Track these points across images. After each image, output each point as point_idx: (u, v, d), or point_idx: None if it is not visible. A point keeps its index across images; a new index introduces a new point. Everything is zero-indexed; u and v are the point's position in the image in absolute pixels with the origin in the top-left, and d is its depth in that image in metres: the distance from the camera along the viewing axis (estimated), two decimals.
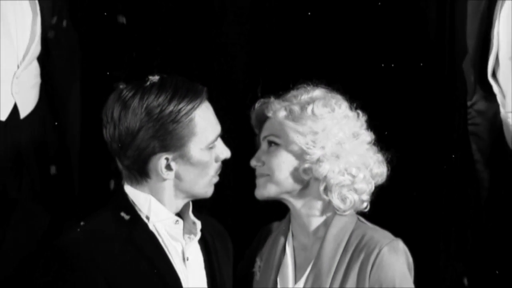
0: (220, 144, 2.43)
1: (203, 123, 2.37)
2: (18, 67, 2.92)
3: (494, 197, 3.18)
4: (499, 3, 3.04)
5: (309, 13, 3.84)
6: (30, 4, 2.97)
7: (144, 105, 2.33)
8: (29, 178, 3.02)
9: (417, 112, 3.70)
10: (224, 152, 2.43)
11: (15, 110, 2.94)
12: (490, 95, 3.09)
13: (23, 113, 2.95)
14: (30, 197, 3.02)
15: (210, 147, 2.40)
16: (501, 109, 3.02)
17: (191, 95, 2.36)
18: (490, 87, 3.07)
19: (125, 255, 2.33)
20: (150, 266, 2.35)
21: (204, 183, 2.43)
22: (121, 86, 2.37)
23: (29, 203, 3.02)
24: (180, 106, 2.35)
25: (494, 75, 3.05)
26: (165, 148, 2.34)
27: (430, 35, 3.71)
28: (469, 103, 3.18)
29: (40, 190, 3.03)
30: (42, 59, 3.03)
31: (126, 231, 2.35)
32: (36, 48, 2.96)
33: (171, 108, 2.34)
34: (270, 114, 2.53)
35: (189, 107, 2.34)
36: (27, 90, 2.97)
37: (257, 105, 2.56)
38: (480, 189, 3.20)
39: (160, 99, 2.33)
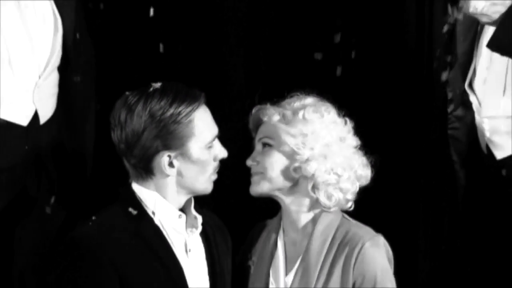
0: (217, 144, 2.49)
1: (201, 124, 2.43)
2: (39, 77, 2.97)
3: (470, 194, 3.22)
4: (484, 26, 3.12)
5: (297, 27, 3.84)
6: (53, 20, 3.02)
7: (148, 109, 2.39)
8: (47, 178, 3.06)
9: (401, 120, 3.80)
10: (221, 152, 2.50)
11: (35, 116, 2.98)
12: (468, 103, 3.14)
13: (43, 119, 2.99)
14: (47, 194, 3.06)
15: (209, 147, 2.46)
16: (476, 116, 3.07)
17: (190, 99, 2.41)
18: (467, 94, 3.12)
19: (132, 247, 2.38)
20: (155, 257, 2.39)
21: (203, 180, 2.49)
22: (127, 93, 2.44)
23: (47, 201, 3.07)
24: (180, 108, 2.40)
25: (470, 85, 3.11)
26: (167, 147, 2.39)
27: (413, 53, 3.83)
28: (449, 110, 3.22)
29: (57, 189, 3.07)
30: (61, 71, 3.07)
31: (133, 225, 2.41)
32: (56, 60, 3.00)
33: (171, 110, 2.39)
34: (265, 119, 2.58)
35: (188, 109, 2.40)
36: (46, 98, 3.02)
37: (254, 110, 2.62)
38: (457, 187, 3.24)
39: (162, 103, 2.39)
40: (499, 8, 2.88)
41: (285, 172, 2.54)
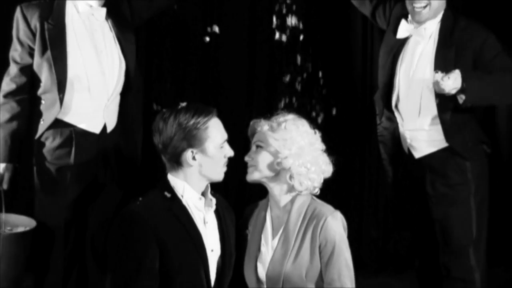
0: (227, 146, 2.64)
1: (214, 130, 2.59)
2: (108, 100, 3.09)
3: (395, 183, 3.31)
4: (399, 59, 3.15)
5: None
6: (118, 61, 3.10)
7: (177, 120, 2.55)
8: (111, 170, 3.16)
9: (350, 130, 4.18)
10: (229, 152, 2.64)
11: (104, 127, 3.11)
12: (392, 118, 3.21)
13: (109, 129, 3.13)
14: (111, 181, 3.17)
15: (221, 147, 2.61)
16: (400, 127, 3.18)
17: (206, 112, 2.58)
18: (392, 112, 3.20)
19: (167, 220, 2.54)
20: (182, 227, 2.55)
21: (217, 171, 2.62)
22: (164, 110, 2.63)
23: (110, 185, 3.17)
24: (199, 119, 2.55)
25: (396, 106, 3.18)
26: (191, 146, 2.55)
27: (358, 82, 4.24)
28: (378, 122, 3.31)
29: (117, 177, 3.18)
30: (121, 96, 3.16)
31: (168, 204, 2.57)
32: (119, 89, 3.12)
33: (193, 120, 2.55)
34: (258, 128, 2.72)
35: (205, 119, 2.56)
36: (112, 115, 3.14)
37: (251, 123, 2.77)
38: (386, 178, 3.35)
39: (186, 115, 2.55)
40: (452, 82, 2.86)
41: (270, 166, 2.67)
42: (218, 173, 2.62)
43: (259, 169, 2.67)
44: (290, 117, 2.70)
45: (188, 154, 2.54)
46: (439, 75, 2.86)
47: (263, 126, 2.69)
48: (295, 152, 2.64)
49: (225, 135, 2.62)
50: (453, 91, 2.87)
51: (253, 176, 2.69)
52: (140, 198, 2.57)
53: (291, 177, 2.65)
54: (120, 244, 2.49)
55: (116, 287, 2.48)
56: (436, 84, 2.87)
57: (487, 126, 3.31)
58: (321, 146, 2.70)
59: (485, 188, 3.15)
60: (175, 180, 2.58)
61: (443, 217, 3.11)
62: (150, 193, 2.60)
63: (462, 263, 3.10)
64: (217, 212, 2.66)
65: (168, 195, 2.56)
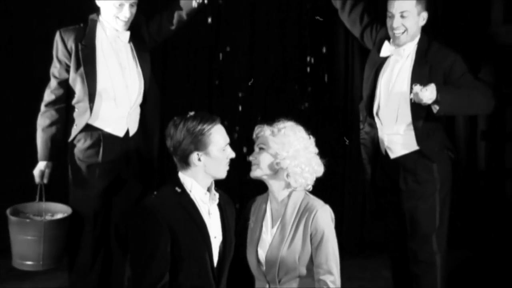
0: (229, 149, 2.65)
1: (217, 136, 2.59)
2: (130, 108, 3.20)
3: (373, 178, 3.35)
4: (380, 74, 3.22)
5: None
6: (138, 77, 3.20)
7: (185, 127, 2.57)
8: (132, 167, 3.25)
9: (336, 136, 4.26)
10: (231, 154, 2.65)
11: (127, 131, 3.21)
12: (373, 124, 3.28)
13: (131, 133, 3.23)
14: (132, 177, 3.26)
15: (223, 150, 2.61)
16: (380, 132, 3.26)
17: (210, 120, 2.59)
18: (373, 119, 3.27)
19: (177, 211, 2.56)
20: (190, 217, 2.58)
21: (220, 170, 2.63)
22: (175, 118, 2.65)
23: (133, 182, 3.26)
24: (204, 126, 2.57)
25: (377, 114, 3.26)
26: (197, 149, 2.56)
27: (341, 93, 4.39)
28: (361, 127, 3.37)
29: (137, 174, 3.26)
30: (141, 105, 3.26)
31: (178, 198, 2.59)
32: (139, 100, 3.23)
33: (199, 127, 2.56)
34: (262, 133, 2.72)
35: (209, 126, 2.58)
36: (133, 122, 3.25)
37: (256, 128, 2.77)
38: (365, 175, 3.40)
39: (194, 123, 2.57)
40: (429, 94, 2.93)
41: (270, 165, 2.68)
42: (221, 172, 2.62)
43: (260, 167, 2.67)
44: (289, 124, 2.70)
45: (194, 156, 2.56)
46: (418, 87, 2.93)
47: (266, 131, 2.69)
48: (292, 154, 2.63)
49: (227, 139, 2.63)
50: (429, 101, 2.94)
51: (255, 173, 2.69)
52: (155, 192, 2.61)
53: (287, 175, 2.65)
54: (138, 233, 2.52)
55: (134, 269, 2.50)
56: (415, 95, 2.93)
57: (448, 134, 3.38)
58: (314, 149, 2.71)
59: (448, 186, 3.23)
60: (185, 177, 2.60)
61: (412, 209, 3.18)
62: (163, 188, 2.62)
63: (426, 248, 3.18)
64: (219, 205, 2.67)
65: (179, 190, 2.58)
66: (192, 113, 2.59)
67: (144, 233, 2.49)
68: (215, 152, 2.57)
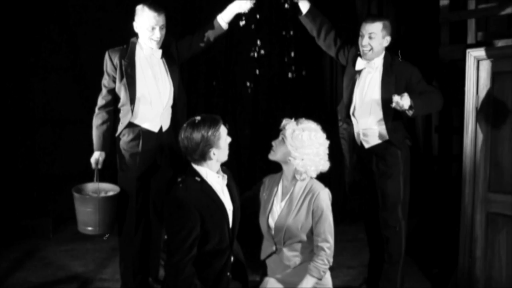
0: (229, 138, 2.59)
1: (222, 132, 2.57)
2: (162, 109, 3.14)
3: (351, 165, 3.28)
4: (356, 83, 3.17)
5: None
6: (168, 83, 3.15)
7: (200, 133, 2.50)
8: (165, 156, 3.20)
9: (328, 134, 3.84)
10: (229, 139, 2.59)
11: (161, 128, 3.16)
12: (350, 121, 3.24)
13: (164, 129, 3.18)
14: (165, 164, 3.21)
15: (226, 140, 2.59)
16: (355, 127, 3.22)
17: (216, 122, 2.55)
18: (350, 118, 3.23)
19: (202, 197, 2.53)
20: (211, 200, 2.56)
21: (226, 155, 2.61)
22: (184, 125, 2.52)
23: (165, 167, 3.21)
24: (214, 128, 2.52)
25: (353, 113, 3.21)
26: (211, 146, 2.55)
27: (326, 98, 4.42)
28: (340, 125, 3.30)
29: (169, 161, 3.20)
30: (172, 107, 3.19)
31: (200, 186, 2.56)
32: (170, 102, 3.18)
33: (211, 131, 2.52)
34: (287, 127, 2.65)
35: (216, 127, 2.53)
36: (166, 119, 3.20)
37: (284, 120, 2.67)
38: (344, 164, 3.34)
39: (205, 128, 2.51)
40: (407, 101, 2.87)
41: (283, 157, 2.66)
42: (226, 156, 2.61)
43: (276, 154, 2.66)
44: (310, 127, 2.60)
45: (211, 153, 2.55)
46: (397, 97, 2.89)
47: (289, 128, 2.63)
48: (301, 157, 2.62)
49: (225, 130, 2.59)
50: (406, 107, 2.92)
51: (271, 156, 2.67)
52: (181, 185, 2.52)
53: (296, 170, 2.66)
54: (174, 219, 2.47)
55: (174, 246, 2.44)
56: (396, 103, 2.89)
57: (409, 128, 3.41)
58: (324, 153, 2.63)
59: (408, 167, 3.22)
60: (199, 168, 2.58)
61: (382, 186, 3.19)
62: (186, 179, 2.55)
63: (394, 216, 3.19)
64: (227, 184, 2.68)
65: (198, 179, 2.55)
66: (198, 118, 2.53)
67: (179, 219, 2.45)
68: (223, 144, 2.57)
